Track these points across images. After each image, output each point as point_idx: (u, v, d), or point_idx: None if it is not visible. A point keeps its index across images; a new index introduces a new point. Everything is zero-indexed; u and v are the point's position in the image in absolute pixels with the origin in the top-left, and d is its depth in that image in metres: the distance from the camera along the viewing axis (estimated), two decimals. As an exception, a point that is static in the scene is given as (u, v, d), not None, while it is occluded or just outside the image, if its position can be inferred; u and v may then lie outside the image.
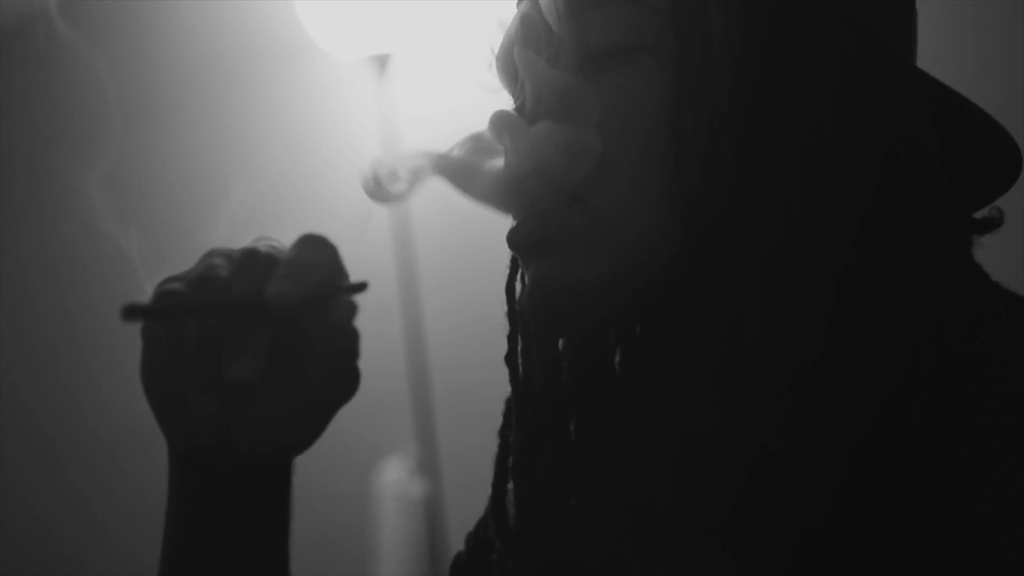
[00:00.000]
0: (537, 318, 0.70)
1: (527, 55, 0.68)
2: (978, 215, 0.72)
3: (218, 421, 0.65)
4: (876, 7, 0.69)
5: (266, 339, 0.63)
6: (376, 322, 2.81)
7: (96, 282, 3.38)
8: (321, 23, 2.60)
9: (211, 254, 0.66)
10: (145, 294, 0.64)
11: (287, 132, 3.00)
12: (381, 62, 2.61)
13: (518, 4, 0.75)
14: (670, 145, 0.65)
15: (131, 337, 0.66)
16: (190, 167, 3.16)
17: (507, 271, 0.78)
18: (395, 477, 2.52)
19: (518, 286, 0.76)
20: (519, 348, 0.77)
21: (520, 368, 0.77)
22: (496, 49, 0.74)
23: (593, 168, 0.66)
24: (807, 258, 0.63)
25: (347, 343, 0.67)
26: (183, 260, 0.68)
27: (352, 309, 0.67)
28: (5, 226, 3.63)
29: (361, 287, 0.68)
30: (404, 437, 2.56)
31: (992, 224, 0.71)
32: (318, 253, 0.67)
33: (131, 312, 0.61)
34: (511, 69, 0.72)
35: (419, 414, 2.51)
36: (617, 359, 0.79)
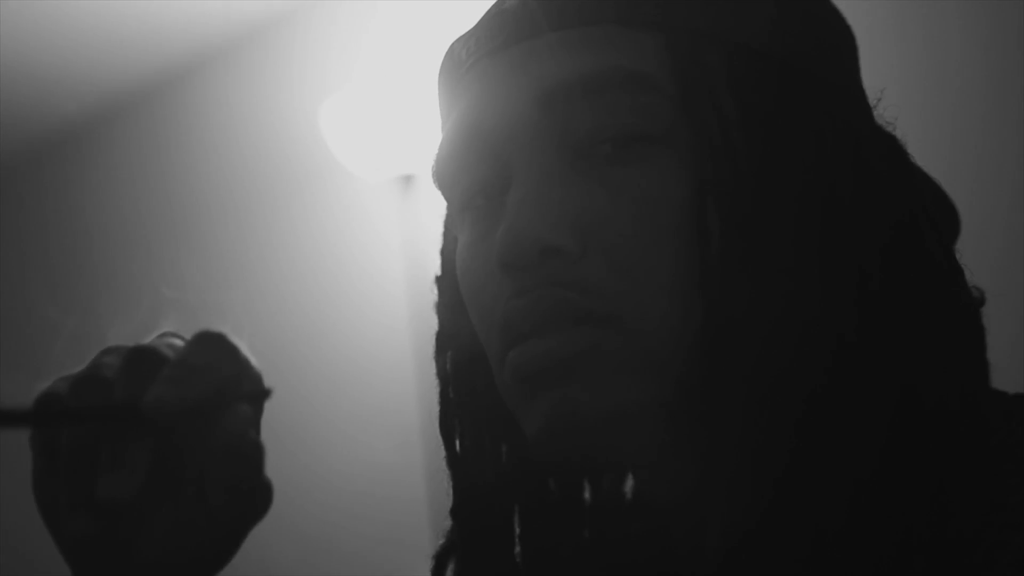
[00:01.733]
0: (562, 454, 0.62)
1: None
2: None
3: (95, 544, 0.58)
4: (852, 77, 0.67)
5: (146, 452, 0.56)
6: (397, 432, 2.77)
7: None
8: (346, 143, 2.62)
9: (105, 352, 0.59)
10: None
11: (311, 251, 3.02)
12: (406, 182, 2.63)
13: (444, 96, 0.69)
14: (695, 250, 0.59)
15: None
16: (209, 285, 3.17)
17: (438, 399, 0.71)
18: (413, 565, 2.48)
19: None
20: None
21: (474, 512, 0.69)
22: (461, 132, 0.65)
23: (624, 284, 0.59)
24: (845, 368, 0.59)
25: (244, 457, 0.59)
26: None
27: (247, 421, 0.58)
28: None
29: (262, 394, 0.60)
30: (419, 527, 2.52)
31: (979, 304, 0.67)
32: (210, 353, 0.58)
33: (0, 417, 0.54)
34: (484, 150, 0.64)
35: (440, 526, 2.47)
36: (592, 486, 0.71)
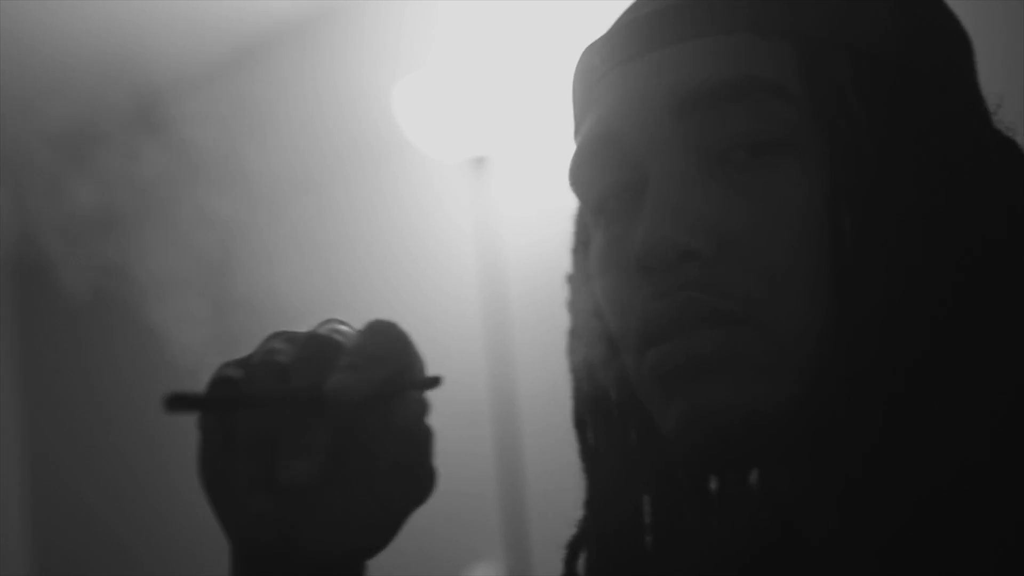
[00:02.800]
0: (700, 451, 0.64)
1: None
2: None
3: (274, 522, 0.60)
4: (971, 82, 0.68)
5: (326, 437, 0.58)
6: (466, 419, 2.80)
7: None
8: (419, 124, 2.62)
9: (273, 337, 0.61)
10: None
11: (382, 232, 3.02)
12: (479, 164, 2.63)
13: (582, 100, 0.71)
14: (827, 253, 0.61)
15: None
16: (284, 263, 3.19)
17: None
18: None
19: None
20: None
21: (607, 503, 0.71)
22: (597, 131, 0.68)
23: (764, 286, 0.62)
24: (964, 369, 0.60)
25: (417, 442, 0.62)
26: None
27: (422, 407, 0.61)
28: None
29: (434, 382, 0.62)
30: (492, 543, 2.53)
31: None
32: (386, 343, 0.61)
33: (176, 402, 0.55)
34: (616, 155, 0.66)
35: (509, 518, 2.47)
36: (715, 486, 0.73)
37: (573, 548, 0.72)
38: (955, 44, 0.68)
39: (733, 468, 0.71)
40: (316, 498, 0.60)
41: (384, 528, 0.63)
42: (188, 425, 0.61)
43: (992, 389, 0.60)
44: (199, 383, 0.60)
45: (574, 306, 0.74)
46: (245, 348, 0.63)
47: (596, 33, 0.71)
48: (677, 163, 0.63)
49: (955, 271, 0.61)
